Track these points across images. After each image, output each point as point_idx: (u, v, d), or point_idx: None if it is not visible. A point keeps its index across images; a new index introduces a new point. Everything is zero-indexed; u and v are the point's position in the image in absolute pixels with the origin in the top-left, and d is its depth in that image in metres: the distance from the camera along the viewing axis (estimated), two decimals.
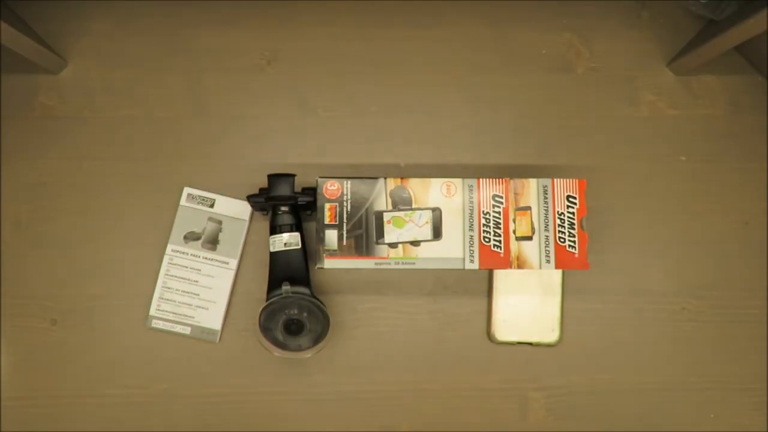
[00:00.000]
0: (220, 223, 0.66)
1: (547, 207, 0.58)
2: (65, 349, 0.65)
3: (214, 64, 0.70)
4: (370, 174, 0.66)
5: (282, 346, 0.59)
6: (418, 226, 0.57)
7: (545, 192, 0.58)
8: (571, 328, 0.66)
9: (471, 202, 0.58)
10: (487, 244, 0.57)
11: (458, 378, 0.65)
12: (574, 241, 0.58)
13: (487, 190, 0.58)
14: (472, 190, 0.58)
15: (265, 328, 0.59)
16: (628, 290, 0.66)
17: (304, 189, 0.61)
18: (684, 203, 0.68)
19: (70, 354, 0.65)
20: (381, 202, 0.57)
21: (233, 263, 0.65)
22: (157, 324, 0.64)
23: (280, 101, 0.69)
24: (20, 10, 0.68)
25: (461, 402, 0.65)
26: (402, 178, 0.58)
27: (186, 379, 0.64)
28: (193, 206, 0.66)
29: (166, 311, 0.65)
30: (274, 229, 0.61)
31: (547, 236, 0.58)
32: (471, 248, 0.57)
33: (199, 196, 0.66)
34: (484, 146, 0.69)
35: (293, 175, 0.61)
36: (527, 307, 0.64)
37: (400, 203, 0.58)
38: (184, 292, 0.65)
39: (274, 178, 0.61)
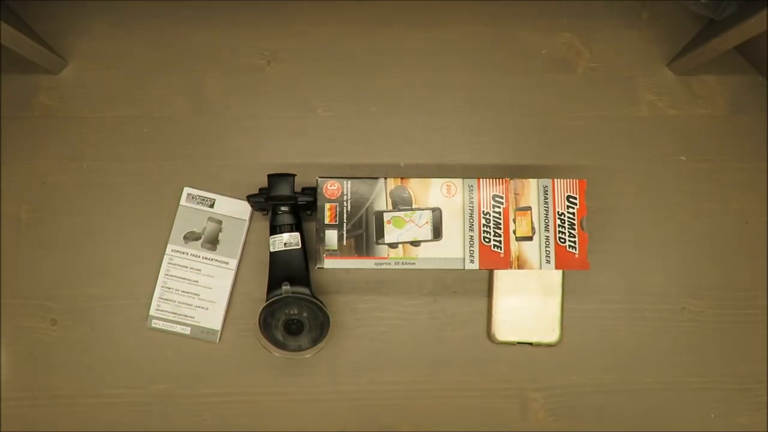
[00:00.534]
0: (220, 223, 0.66)
1: (548, 207, 0.58)
2: (65, 349, 0.65)
3: (214, 64, 0.70)
4: (370, 174, 0.66)
5: (282, 346, 0.59)
6: (418, 226, 0.57)
7: (545, 192, 0.58)
8: (571, 328, 0.66)
9: (471, 203, 0.58)
10: (487, 244, 0.57)
11: (458, 378, 0.65)
12: (574, 242, 0.58)
13: (488, 190, 0.58)
14: (472, 190, 0.58)
15: (265, 329, 0.59)
16: (628, 290, 0.66)
17: (304, 189, 0.61)
18: (684, 203, 0.68)
19: (70, 354, 0.65)
20: (381, 202, 0.57)
21: (233, 263, 0.65)
22: (157, 324, 0.64)
23: (280, 101, 0.69)
24: (20, 10, 0.68)
25: (461, 402, 0.65)
26: (402, 178, 0.58)
27: (186, 379, 0.64)
28: (193, 206, 0.66)
29: (166, 311, 0.65)
30: (274, 229, 0.61)
31: (547, 236, 0.58)
32: (471, 248, 0.57)
33: (199, 196, 0.66)
34: (484, 146, 0.69)
35: (293, 175, 0.61)
36: (527, 307, 0.64)
37: (400, 203, 0.58)
38: (184, 292, 0.65)
39: (274, 178, 0.61)
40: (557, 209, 0.58)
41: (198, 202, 0.66)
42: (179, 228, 0.66)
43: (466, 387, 0.65)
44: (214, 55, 0.70)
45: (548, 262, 0.57)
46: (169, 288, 0.65)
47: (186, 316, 0.64)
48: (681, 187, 0.68)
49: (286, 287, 0.58)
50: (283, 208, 0.61)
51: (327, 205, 0.57)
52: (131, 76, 0.70)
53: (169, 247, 0.65)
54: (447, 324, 0.66)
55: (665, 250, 0.67)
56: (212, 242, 0.66)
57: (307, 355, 0.60)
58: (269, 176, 0.61)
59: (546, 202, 0.58)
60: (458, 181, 0.58)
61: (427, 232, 0.57)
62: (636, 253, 0.67)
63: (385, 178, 0.58)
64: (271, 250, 0.61)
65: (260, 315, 0.58)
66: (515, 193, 0.58)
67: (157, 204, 0.67)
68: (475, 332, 0.66)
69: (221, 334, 0.65)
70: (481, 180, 0.58)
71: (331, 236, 0.57)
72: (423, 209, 0.57)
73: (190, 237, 0.66)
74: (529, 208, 0.58)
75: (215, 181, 0.67)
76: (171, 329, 0.64)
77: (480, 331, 0.66)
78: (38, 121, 0.68)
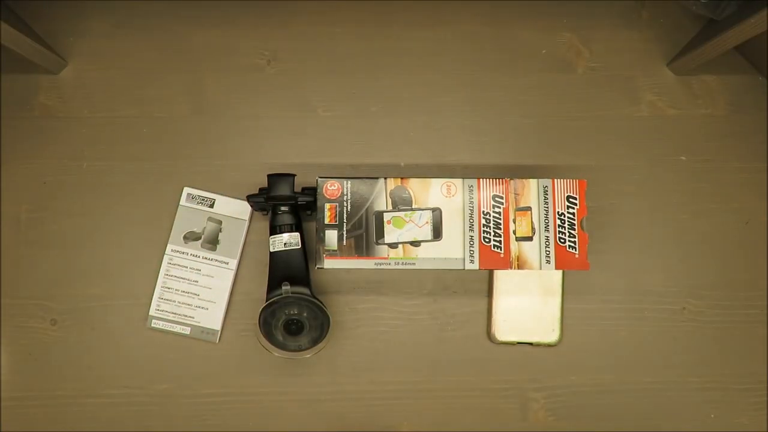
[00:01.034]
0: (220, 223, 0.66)
1: (548, 207, 0.58)
2: (65, 349, 0.65)
3: (214, 64, 0.70)
4: (370, 174, 0.66)
5: (282, 346, 0.59)
6: (418, 226, 0.57)
7: (545, 192, 0.58)
8: (571, 328, 0.66)
9: (471, 203, 0.58)
10: (487, 244, 0.57)
11: (458, 378, 0.65)
12: (574, 242, 0.58)
13: (488, 190, 0.58)
14: (472, 190, 0.58)
15: (265, 329, 0.59)
16: (628, 290, 0.66)
17: (304, 189, 0.61)
18: (684, 203, 0.68)
19: (70, 354, 0.65)
20: (381, 202, 0.57)
21: (233, 263, 0.65)
22: (157, 324, 0.64)
23: (280, 101, 0.69)
24: (20, 10, 0.68)
25: (461, 402, 0.65)
26: (402, 178, 0.58)
27: (186, 379, 0.64)
28: (193, 206, 0.66)
29: (166, 311, 0.65)
30: (274, 229, 0.61)
31: (547, 237, 0.58)
32: (471, 248, 0.57)
33: (199, 196, 0.66)
34: (484, 146, 0.69)
35: (293, 175, 0.61)
36: (527, 307, 0.64)
37: (400, 203, 0.58)
38: (183, 292, 0.65)
39: (274, 178, 0.61)
40: (557, 209, 0.58)
41: (198, 202, 0.66)
42: (179, 228, 0.66)
43: (466, 387, 0.65)
44: (214, 55, 0.70)
45: (548, 262, 0.57)
46: (169, 288, 0.65)
47: (186, 316, 0.64)
48: (681, 187, 0.68)
49: (286, 287, 0.58)
50: (283, 208, 0.61)
51: (327, 205, 0.57)
52: (131, 76, 0.70)
53: (169, 247, 0.65)
54: (447, 324, 0.66)
55: (665, 250, 0.67)
56: (212, 242, 0.66)
57: (307, 355, 0.60)
58: (269, 176, 0.61)
59: (546, 203, 0.58)
60: (458, 181, 0.58)
61: (427, 232, 0.57)
62: (636, 253, 0.67)
63: (385, 178, 0.58)
64: (271, 250, 0.61)
65: (260, 315, 0.58)
66: (515, 193, 0.58)
67: (157, 204, 0.67)
68: (475, 332, 0.66)
69: (221, 334, 0.65)
70: (481, 180, 0.58)
71: (331, 236, 0.57)
72: (423, 209, 0.57)
73: (190, 237, 0.66)
74: (529, 209, 0.58)
75: (215, 181, 0.67)
76: (171, 329, 0.64)
77: (480, 331, 0.66)
78: (38, 121, 0.68)
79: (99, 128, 0.68)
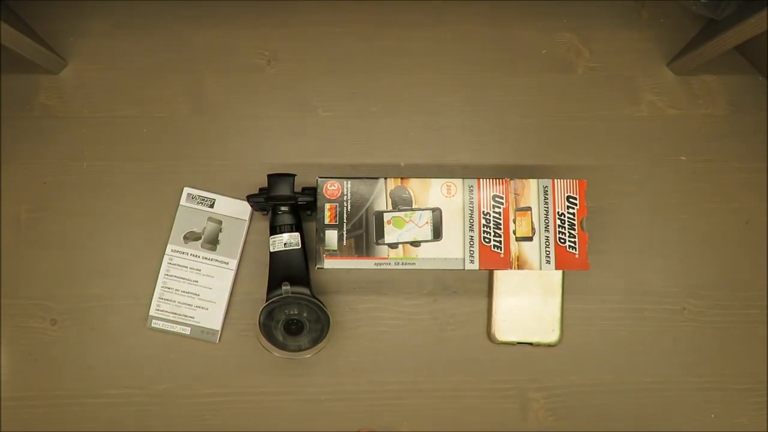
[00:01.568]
0: (220, 223, 0.66)
1: (548, 207, 0.58)
2: (65, 349, 0.65)
3: (214, 64, 0.70)
4: (370, 174, 0.66)
5: (282, 346, 0.59)
6: (418, 226, 0.57)
7: (545, 192, 0.58)
8: (571, 328, 0.66)
9: (471, 203, 0.58)
10: (487, 244, 0.57)
11: (458, 378, 0.65)
12: (574, 242, 0.58)
13: (488, 190, 0.58)
14: (472, 190, 0.58)
15: (265, 329, 0.59)
16: (628, 290, 0.66)
17: (304, 189, 0.61)
18: (684, 203, 0.68)
19: (70, 354, 0.65)
20: (381, 202, 0.57)
21: (233, 263, 0.65)
22: (157, 324, 0.64)
23: (280, 101, 0.69)
24: (20, 10, 0.67)
25: (461, 402, 0.65)
26: (402, 178, 0.58)
27: (186, 379, 0.64)
28: (193, 206, 0.66)
29: (166, 311, 0.65)
30: (274, 229, 0.61)
31: (547, 237, 0.57)
32: (471, 248, 0.57)
33: (199, 196, 0.66)
34: (484, 146, 0.69)
35: (293, 175, 0.61)
36: (527, 307, 0.64)
37: (400, 203, 0.58)
38: (183, 292, 0.65)
39: (274, 178, 0.61)
40: (557, 209, 0.58)
41: (198, 202, 0.66)
42: (179, 228, 0.66)
43: (466, 387, 0.65)
44: (214, 55, 0.70)
45: (548, 262, 0.57)
46: (169, 288, 0.65)
47: (186, 316, 0.64)
48: (681, 187, 0.68)
49: (286, 287, 0.58)
50: (283, 208, 0.61)
51: (327, 205, 0.57)
52: (131, 76, 0.70)
53: (169, 247, 0.65)
54: (447, 324, 0.66)
55: (665, 250, 0.67)
56: (212, 242, 0.66)
57: (307, 355, 0.60)
58: (269, 176, 0.61)
59: (546, 203, 0.58)
60: (458, 182, 0.58)
61: (427, 233, 0.57)
62: (636, 253, 0.67)
63: (385, 178, 0.58)
64: (271, 250, 0.61)
65: (260, 315, 0.58)
66: (515, 194, 0.58)
67: (157, 204, 0.67)
68: (475, 332, 0.66)
69: (221, 334, 0.65)
70: (481, 180, 0.58)
71: (331, 236, 0.57)
72: (423, 209, 0.57)
73: (190, 237, 0.66)
74: (529, 209, 0.58)
75: (215, 181, 0.67)
76: (171, 329, 0.64)
77: (480, 331, 0.66)
78: (38, 121, 0.68)
79: (99, 128, 0.68)
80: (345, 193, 0.58)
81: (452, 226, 0.57)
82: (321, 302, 0.59)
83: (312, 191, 0.61)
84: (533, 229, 0.58)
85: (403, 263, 0.57)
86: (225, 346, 0.65)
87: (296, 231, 0.61)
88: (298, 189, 0.61)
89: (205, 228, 0.66)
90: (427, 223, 0.57)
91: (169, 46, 0.70)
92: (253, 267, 0.66)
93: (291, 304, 0.58)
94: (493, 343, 0.65)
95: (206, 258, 0.65)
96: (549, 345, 0.64)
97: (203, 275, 0.65)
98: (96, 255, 0.66)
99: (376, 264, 0.57)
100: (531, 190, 0.58)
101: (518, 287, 0.64)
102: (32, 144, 0.68)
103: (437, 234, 0.57)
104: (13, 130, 0.68)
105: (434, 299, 0.66)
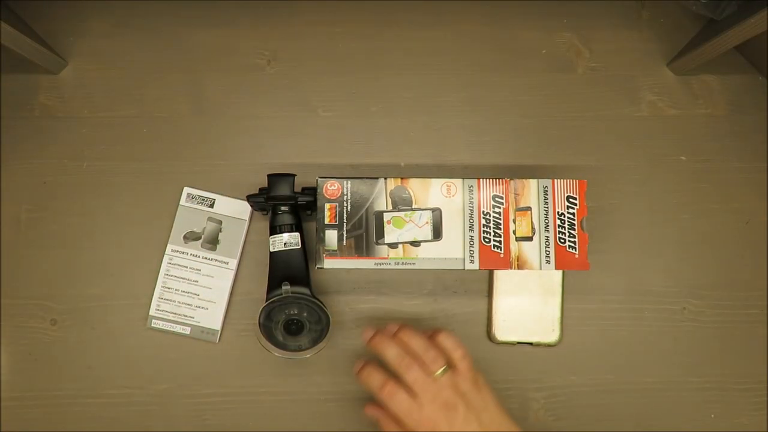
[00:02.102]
0: (220, 223, 0.66)
1: (548, 207, 0.58)
2: (65, 349, 0.65)
3: (214, 64, 0.70)
4: (370, 174, 0.66)
5: (282, 346, 0.59)
6: (418, 226, 0.57)
7: (545, 192, 0.58)
8: (571, 328, 0.66)
9: (471, 203, 0.58)
10: (487, 244, 0.57)
11: None
12: (574, 242, 0.58)
13: (488, 190, 0.58)
14: (472, 190, 0.58)
15: (265, 329, 0.59)
16: (628, 290, 0.66)
17: (304, 189, 0.61)
18: (684, 203, 0.68)
19: (70, 354, 0.65)
20: (381, 202, 0.57)
21: (233, 263, 0.65)
22: (156, 324, 0.64)
23: (280, 101, 0.69)
24: (20, 10, 0.67)
25: None
26: (402, 178, 0.58)
27: (186, 379, 0.64)
28: (192, 206, 0.66)
29: (166, 311, 0.65)
30: (274, 229, 0.61)
31: (547, 237, 0.58)
32: (471, 248, 0.57)
33: (199, 196, 0.66)
34: (484, 146, 0.69)
35: (293, 175, 0.61)
36: (527, 307, 0.64)
37: (400, 203, 0.58)
38: (183, 292, 0.65)
39: (274, 178, 0.61)
40: (557, 209, 0.58)
41: (198, 202, 0.66)
42: (179, 228, 0.66)
43: None
44: (214, 55, 0.70)
45: (548, 262, 0.57)
46: (169, 288, 0.65)
47: (186, 316, 0.64)
48: (681, 187, 0.68)
49: (286, 287, 0.58)
50: (283, 208, 0.61)
51: (327, 205, 0.57)
52: (131, 76, 0.70)
53: (169, 247, 0.65)
54: (447, 324, 0.66)
55: (665, 250, 0.67)
56: (212, 242, 0.66)
57: (307, 355, 0.60)
58: (269, 176, 0.61)
59: (546, 203, 0.58)
60: (458, 181, 0.58)
61: (427, 232, 0.57)
62: (636, 253, 0.67)
63: (385, 178, 0.58)
64: (271, 250, 0.61)
65: (260, 315, 0.58)
66: (515, 194, 0.58)
67: (157, 204, 0.67)
68: (475, 332, 0.66)
69: (221, 334, 0.65)
70: (481, 180, 0.58)
71: (331, 236, 0.57)
72: (423, 209, 0.57)
73: (190, 237, 0.66)
74: (529, 209, 0.58)
75: (215, 181, 0.67)
76: (171, 329, 0.64)
77: (480, 331, 0.66)
78: (38, 121, 0.68)
79: (99, 128, 0.68)
80: (345, 193, 0.58)
81: (452, 226, 0.57)
82: (321, 302, 0.59)
83: (312, 191, 0.61)
84: (533, 229, 0.58)
85: (403, 263, 0.57)
86: (225, 346, 0.65)
87: (296, 231, 0.61)
88: (298, 189, 0.61)
89: (205, 228, 0.66)
90: (427, 223, 0.57)
91: (169, 46, 0.70)
92: (253, 267, 0.66)
93: (291, 304, 0.58)
94: (493, 343, 0.65)
95: (206, 258, 0.65)
96: (549, 345, 0.64)
97: (203, 275, 0.65)
98: (96, 255, 0.66)
99: (376, 264, 0.57)
100: (531, 190, 0.58)
101: (518, 287, 0.64)
102: (32, 144, 0.68)
103: (437, 234, 0.57)
104: (13, 130, 0.68)
105: (434, 299, 0.66)
